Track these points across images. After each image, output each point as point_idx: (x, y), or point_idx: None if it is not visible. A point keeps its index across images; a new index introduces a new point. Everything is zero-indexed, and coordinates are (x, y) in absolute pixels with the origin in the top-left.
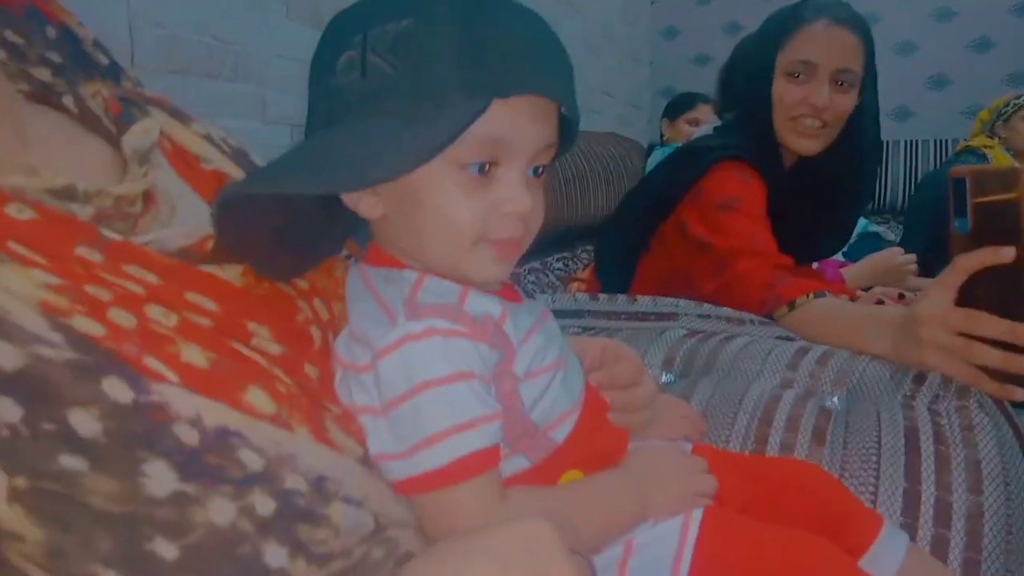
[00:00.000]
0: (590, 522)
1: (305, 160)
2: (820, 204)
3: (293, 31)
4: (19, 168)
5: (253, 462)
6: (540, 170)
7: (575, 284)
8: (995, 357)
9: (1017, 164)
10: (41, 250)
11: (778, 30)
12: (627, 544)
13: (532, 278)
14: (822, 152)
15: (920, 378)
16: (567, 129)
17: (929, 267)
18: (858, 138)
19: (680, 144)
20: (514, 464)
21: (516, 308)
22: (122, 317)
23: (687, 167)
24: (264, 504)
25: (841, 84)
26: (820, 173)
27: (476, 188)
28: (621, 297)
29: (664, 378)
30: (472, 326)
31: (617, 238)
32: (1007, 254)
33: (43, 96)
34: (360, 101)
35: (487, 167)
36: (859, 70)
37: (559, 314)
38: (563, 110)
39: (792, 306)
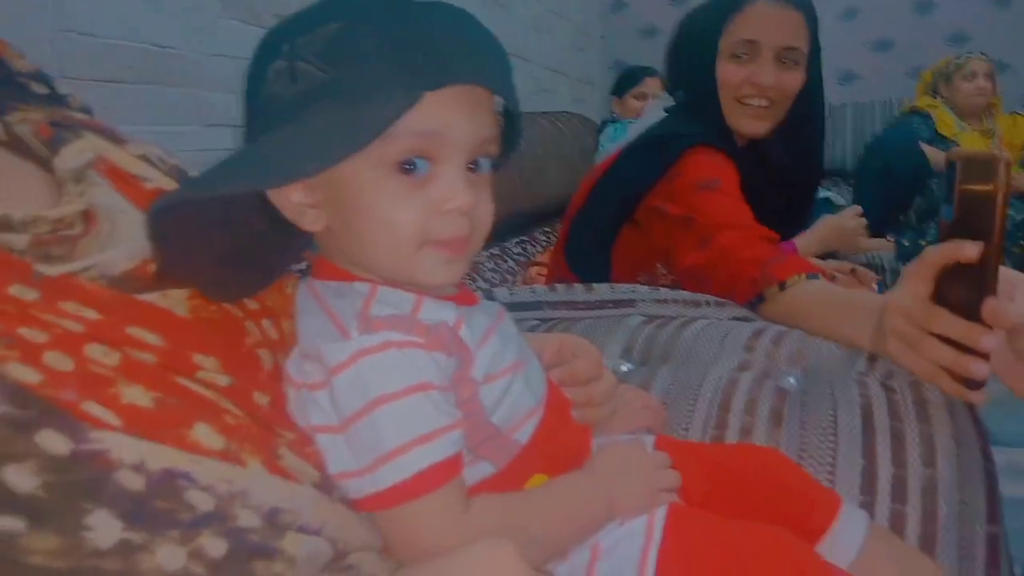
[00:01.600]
0: (556, 527)
1: (234, 164)
2: (775, 186)
3: (229, 28)
4: None
5: (203, 502)
6: (482, 166)
7: (534, 268)
8: (947, 355)
9: (998, 151)
10: None
11: (720, 11)
12: (593, 548)
13: (491, 264)
14: (771, 133)
15: (874, 355)
16: (511, 123)
17: (880, 229)
18: (806, 116)
19: (630, 120)
20: (479, 471)
21: (471, 312)
22: (59, 360)
23: (657, 153)
24: (215, 546)
25: (785, 62)
26: (771, 155)
27: (413, 188)
28: (578, 286)
29: (624, 367)
30: (427, 336)
31: (587, 226)
32: (971, 250)
33: None
34: (293, 107)
35: (423, 166)
36: (804, 47)
37: (517, 307)
38: (503, 102)
39: (783, 286)
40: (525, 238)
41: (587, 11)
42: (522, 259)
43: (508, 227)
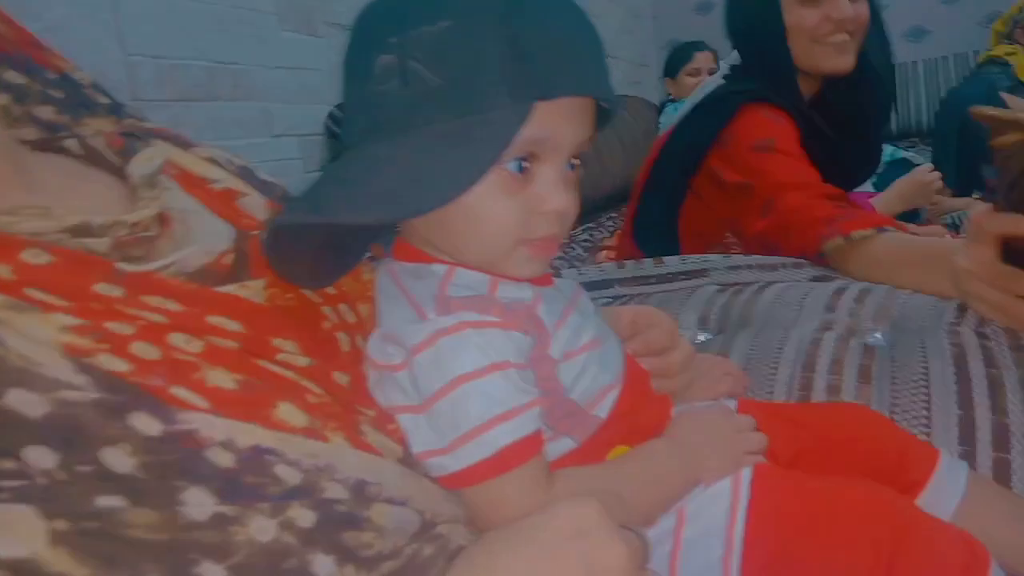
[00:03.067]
0: (640, 495)
1: (357, 185)
2: (847, 132)
3: (288, 41)
4: (34, 213)
5: (291, 477)
6: (576, 163)
7: (603, 252)
8: None
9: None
10: (60, 292)
11: None
12: (679, 513)
13: (559, 253)
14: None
15: (964, 305)
16: (603, 119)
17: (964, 187)
18: (872, 50)
19: (688, 98)
20: (560, 446)
21: (548, 293)
22: (146, 350)
23: (711, 115)
24: (304, 516)
25: None
26: (843, 98)
27: (515, 187)
28: (647, 261)
29: (700, 337)
30: (504, 314)
31: (652, 202)
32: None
33: (46, 143)
34: (404, 112)
35: (525, 163)
36: None
37: (587, 287)
38: (602, 103)
39: (849, 239)
40: (591, 224)
41: None
42: (589, 245)
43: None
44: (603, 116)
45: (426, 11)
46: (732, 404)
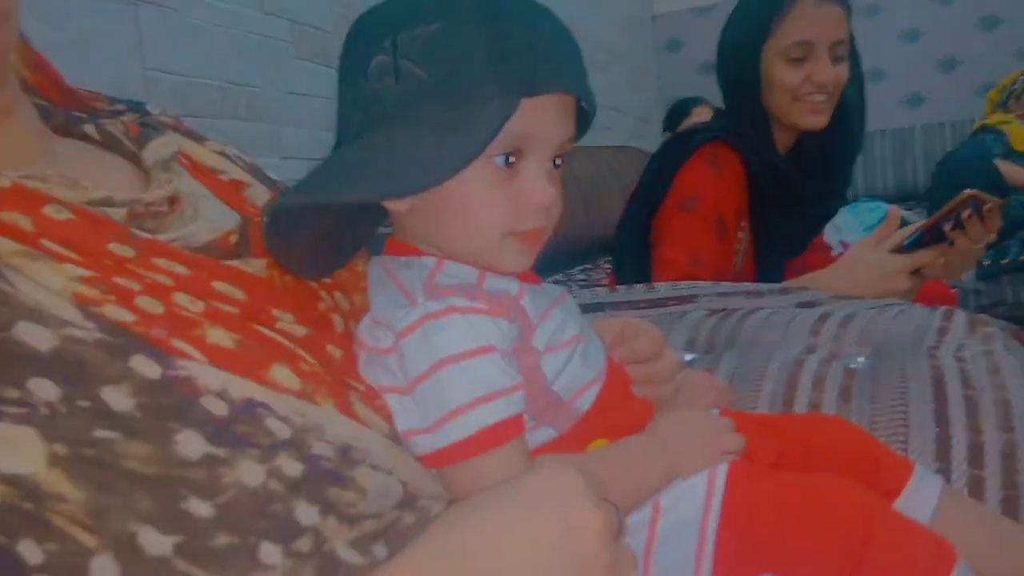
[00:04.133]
0: (618, 485)
1: (352, 168)
2: (815, 177)
3: (302, 68)
4: (62, 182)
5: (280, 430)
6: (559, 161)
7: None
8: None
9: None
10: (75, 247)
11: (764, 15)
12: (655, 505)
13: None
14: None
15: (944, 330)
16: (582, 121)
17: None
18: (848, 103)
19: None
20: (541, 435)
21: (534, 289)
22: (151, 304)
23: (673, 152)
24: (292, 467)
25: (836, 56)
26: (819, 146)
27: (502, 180)
28: (639, 286)
29: (687, 357)
30: (490, 302)
31: (626, 238)
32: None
33: (67, 128)
34: (395, 107)
35: (512, 158)
36: (847, 39)
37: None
38: (583, 103)
39: None
40: (588, 266)
41: (640, 51)
42: (585, 285)
43: (572, 255)
44: (583, 124)
45: (419, 14)
46: (715, 413)
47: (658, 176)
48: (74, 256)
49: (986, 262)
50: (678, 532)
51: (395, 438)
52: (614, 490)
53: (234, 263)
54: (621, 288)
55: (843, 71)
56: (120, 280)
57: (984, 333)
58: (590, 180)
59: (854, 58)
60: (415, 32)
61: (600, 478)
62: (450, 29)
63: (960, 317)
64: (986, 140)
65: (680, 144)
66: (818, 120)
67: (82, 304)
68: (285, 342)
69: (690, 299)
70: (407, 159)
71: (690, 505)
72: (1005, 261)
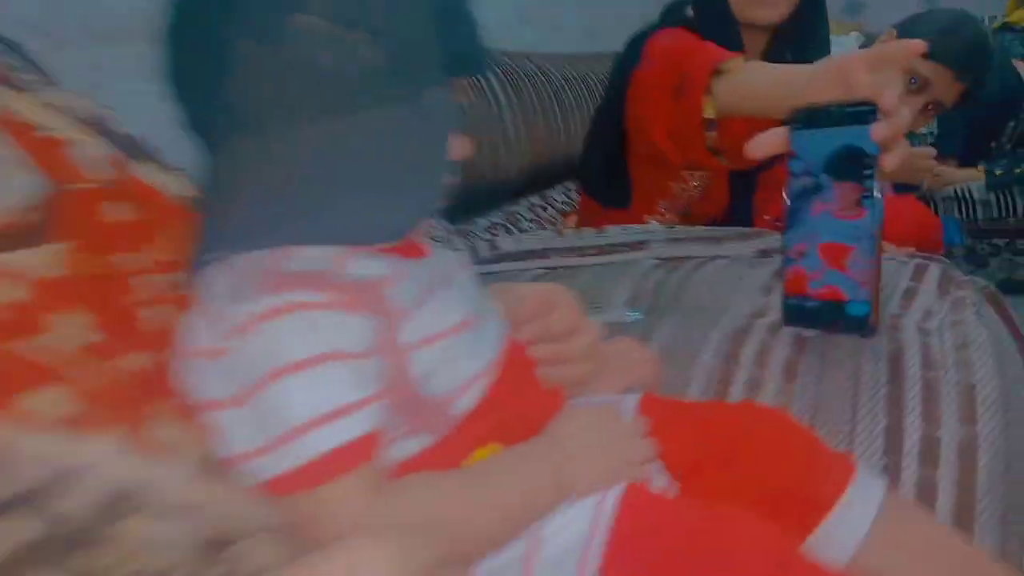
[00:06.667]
0: (491, 512)
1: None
2: None
3: None
4: None
5: (23, 478)
6: None
7: (574, 216)
8: None
9: None
10: None
11: None
12: (534, 538)
13: (530, 215)
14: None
15: (911, 292)
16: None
17: (970, 159)
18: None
19: None
20: (412, 444)
21: (414, 267)
22: None
23: (636, 46)
24: (29, 527)
25: None
26: (788, 48)
27: None
28: (588, 230)
29: (630, 316)
30: (343, 294)
31: (595, 150)
32: None
33: None
34: (341, 93)
35: None
36: None
37: (523, 255)
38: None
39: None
40: (571, 185)
41: None
42: (567, 206)
43: (553, 175)
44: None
45: None
46: (633, 399)
47: (623, 68)
48: None
49: (998, 171)
50: (559, 567)
51: (211, 463)
52: (487, 520)
53: (20, 254)
54: (569, 231)
55: None
56: None
57: (956, 297)
58: (566, 92)
59: None
60: None
61: (465, 530)
62: None
63: (932, 274)
64: (1004, 40)
65: (642, 37)
66: (769, 13)
67: None
68: (58, 358)
69: (640, 245)
70: (367, 212)
71: (571, 538)
72: (1019, 170)
